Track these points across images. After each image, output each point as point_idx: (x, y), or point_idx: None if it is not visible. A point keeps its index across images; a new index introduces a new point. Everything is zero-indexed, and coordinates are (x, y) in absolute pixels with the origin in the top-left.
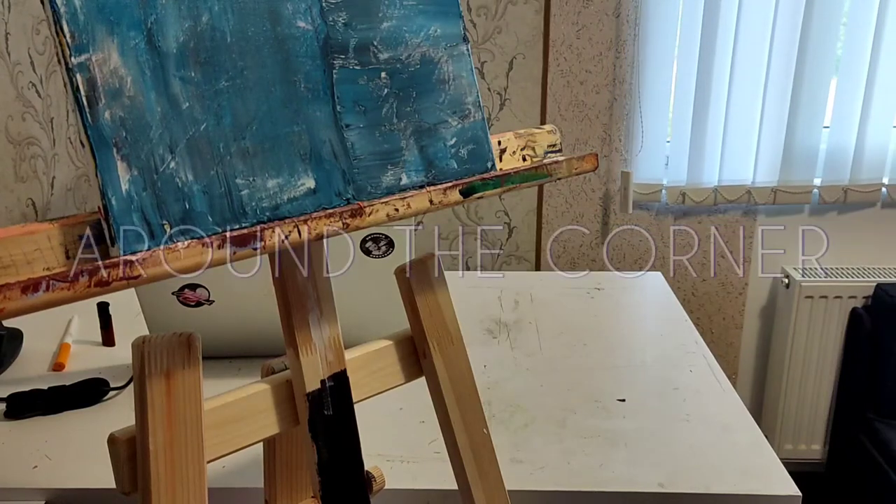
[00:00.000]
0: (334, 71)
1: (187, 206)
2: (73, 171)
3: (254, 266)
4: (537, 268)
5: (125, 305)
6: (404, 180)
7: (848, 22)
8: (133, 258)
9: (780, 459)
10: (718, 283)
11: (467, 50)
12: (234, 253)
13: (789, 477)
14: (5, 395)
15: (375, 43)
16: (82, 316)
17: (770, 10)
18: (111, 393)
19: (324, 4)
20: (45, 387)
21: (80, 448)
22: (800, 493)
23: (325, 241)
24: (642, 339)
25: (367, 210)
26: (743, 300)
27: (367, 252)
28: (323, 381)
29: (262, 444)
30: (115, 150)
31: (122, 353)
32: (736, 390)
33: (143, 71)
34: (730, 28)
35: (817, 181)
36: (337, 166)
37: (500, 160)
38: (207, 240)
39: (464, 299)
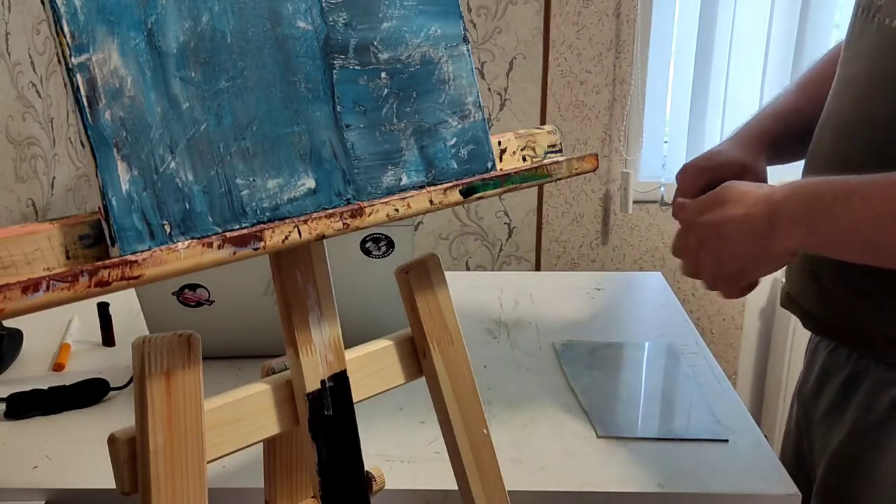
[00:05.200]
0: (334, 71)
1: (187, 207)
2: (73, 171)
3: (254, 266)
4: (537, 268)
5: (125, 305)
6: (404, 180)
7: (842, 23)
8: (133, 258)
9: (781, 460)
10: None
11: (467, 50)
12: (234, 253)
13: (789, 477)
14: (5, 395)
15: (375, 43)
16: (82, 316)
17: (766, 10)
18: (111, 393)
19: (324, 4)
20: (45, 387)
21: (80, 448)
22: (800, 493)
23: (324, 241)
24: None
25: (367, 210)
26: (743, 300)
27: (367, 252)
28: (323, 382)
29: (262, 444)
30: (115, 150)
31: (122, 353)
32: (736, 390)
33: (143, 71)
34: (726, 28)
35: None
36: (337, 166)
37: (501, 160)
38: (207, 240)
39: (464, 299)
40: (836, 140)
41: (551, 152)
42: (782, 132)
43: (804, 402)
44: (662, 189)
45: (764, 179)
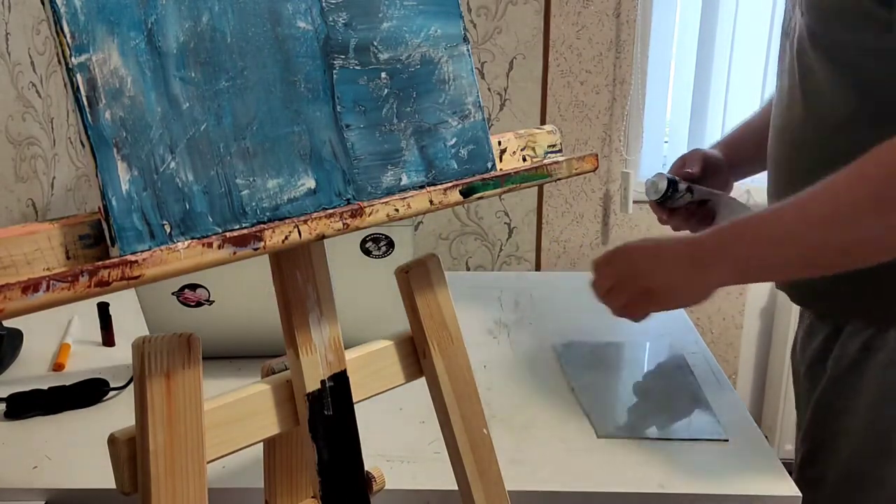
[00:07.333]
0: (334, 71)
1: (187, 207)
2: (73, 171)
3: (254, 266)
4: (537, 268)
5: (125, 305)
6: (404, 180)
7: None
8: (133, 258)
9: (780, 460)
10: None
11: (467, 50)
12: (234, 253)
13: (789, 477)
14: (5, 395)
15: (375, 43)
16: (82, 316)
17: (768, 10)
18: (111, 393)
19: (324, 4)
20: (45, 387)
21: (80, 448)
22: (800, 494)
23: (324, 241)
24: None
25: (367, 210)
26: (743, 300)
27: (367, 252)
28: (323, 382)
29: (262, 444)
30: (115, 150)
31: (122, 353)
32: (736, 390)
33: (143, 71)
34: (727, 27)
35: None
36: (337, 166)
37: (501, 160)
38: (207, 240)
39: (464, 299)
40: (771, 145)
41: (551, 152)
42: (742, 138)
43: (794, 360)
44: None
45: (721, 168)
